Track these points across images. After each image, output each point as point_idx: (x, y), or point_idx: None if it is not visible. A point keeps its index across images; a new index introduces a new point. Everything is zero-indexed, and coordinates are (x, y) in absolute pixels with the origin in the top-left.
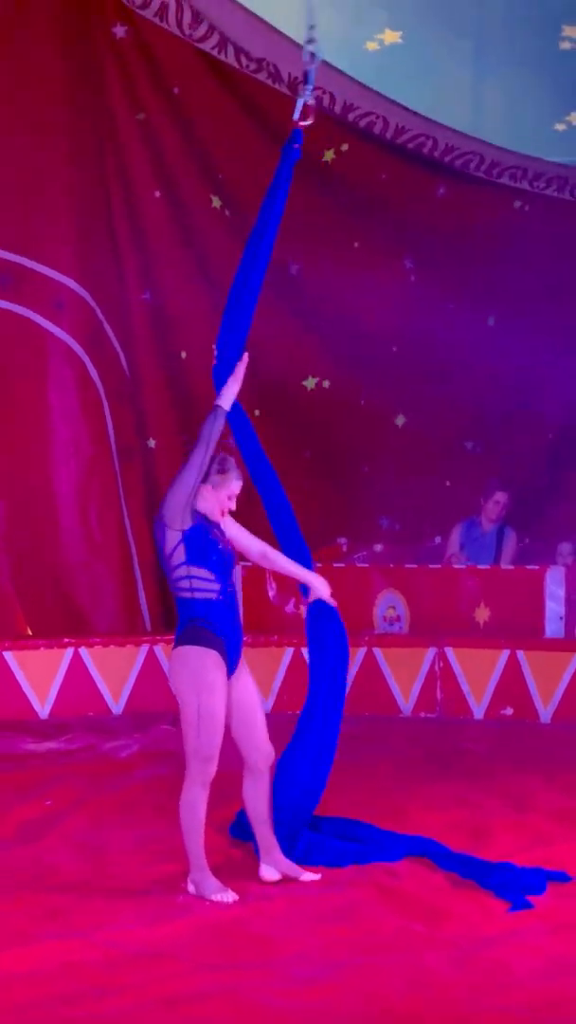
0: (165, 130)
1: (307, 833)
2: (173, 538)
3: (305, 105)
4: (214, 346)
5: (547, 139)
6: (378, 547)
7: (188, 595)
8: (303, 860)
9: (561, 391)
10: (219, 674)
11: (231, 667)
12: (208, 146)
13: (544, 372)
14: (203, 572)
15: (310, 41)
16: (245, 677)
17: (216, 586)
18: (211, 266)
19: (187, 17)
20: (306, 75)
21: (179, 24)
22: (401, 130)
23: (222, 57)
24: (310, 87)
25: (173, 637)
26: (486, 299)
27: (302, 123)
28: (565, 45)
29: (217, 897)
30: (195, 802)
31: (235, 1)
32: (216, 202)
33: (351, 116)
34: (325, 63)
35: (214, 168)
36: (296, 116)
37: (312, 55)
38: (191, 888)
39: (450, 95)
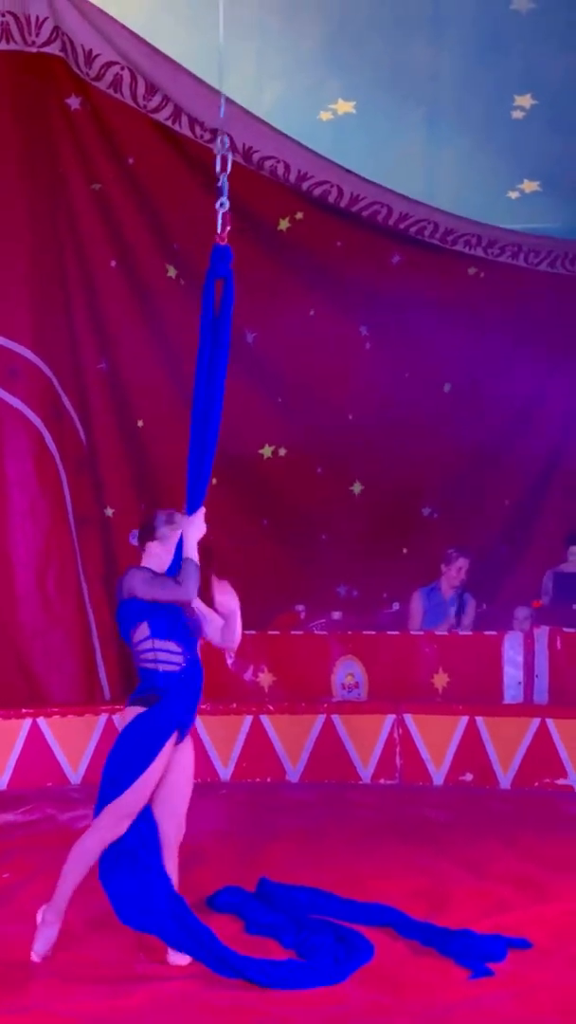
0: (120, 200)
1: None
2: (136, 614)
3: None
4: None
5: (501, 207)
6: (336, 615)
7: (151, 666)
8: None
9: (518, 457)
10: (165, 739)
11: (182, 734)
12: (163, 215)
13: (500, 438)
14: (169, 645)
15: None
16: (188, 747)
17: (180, 657)
18: (167, 335)
19: (141, 88)
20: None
21: (133, 95)
22: (355, 198)
23: (176, 127)
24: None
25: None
26: (442, 366)
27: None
28: (517, 114)
29: (37, 948)
30: (91, 852)
31: (189, 72)
32: (171, 271)
33: (305, 185)
34: (280, 133)
35: (169, 237)
36: (218, 229)
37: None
38: (39, 917)
39: (404, 163)
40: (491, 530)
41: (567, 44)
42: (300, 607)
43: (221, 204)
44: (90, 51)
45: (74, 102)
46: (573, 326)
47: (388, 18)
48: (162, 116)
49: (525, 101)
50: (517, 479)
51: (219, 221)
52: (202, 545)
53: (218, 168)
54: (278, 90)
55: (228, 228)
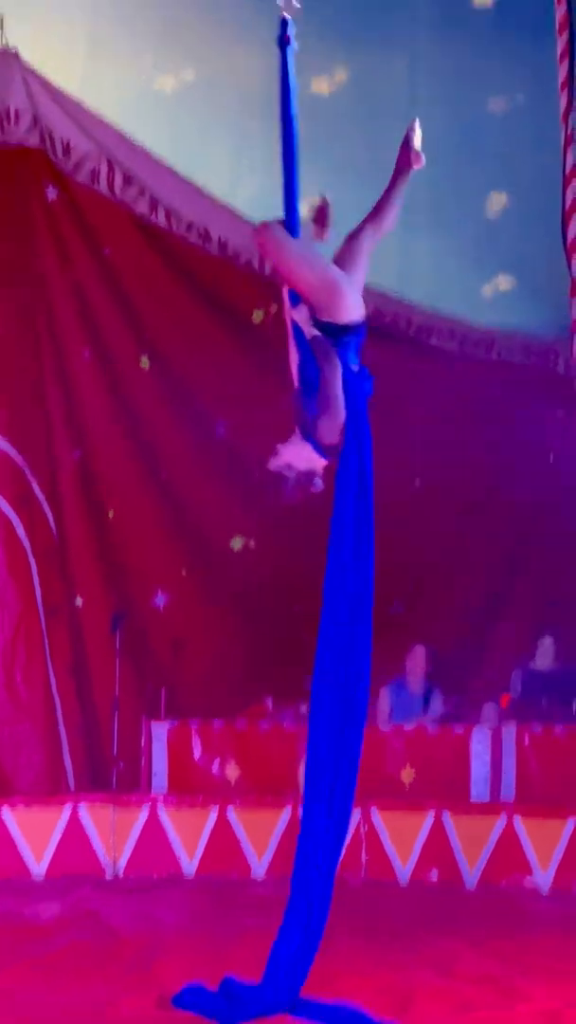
0: (95, 290)
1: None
2: None
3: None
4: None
5: (474, 302)
6: (303, 707)
7: None
8: None
9: (485, 550)
10: None
11: None
12: (138, 307)
13: (468, 531)
14: None
15: None
16: None
17: None
18: (139, 427)
19: (119, 180)
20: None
21: (111, 187)
22: None
23: (153, 219)
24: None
25: (97, 797)
26: (412, 461)
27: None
28: (492, 212)
29: None
30: None
31: (166, 165)
32: (145, 362)
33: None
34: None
35: (144, 328)
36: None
37: None
38: None
39: (378, 259)
40: (459, 624)
41: (541, 145)
42: (268, 699)
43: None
44: (68, 142)
45: (51, 193)
46: (545, 420)
47: (364, 114)
48: (139, 207)
49: (500, 199)
50: (485, 572)
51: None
52: (171, 638)
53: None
54: (256, 186)
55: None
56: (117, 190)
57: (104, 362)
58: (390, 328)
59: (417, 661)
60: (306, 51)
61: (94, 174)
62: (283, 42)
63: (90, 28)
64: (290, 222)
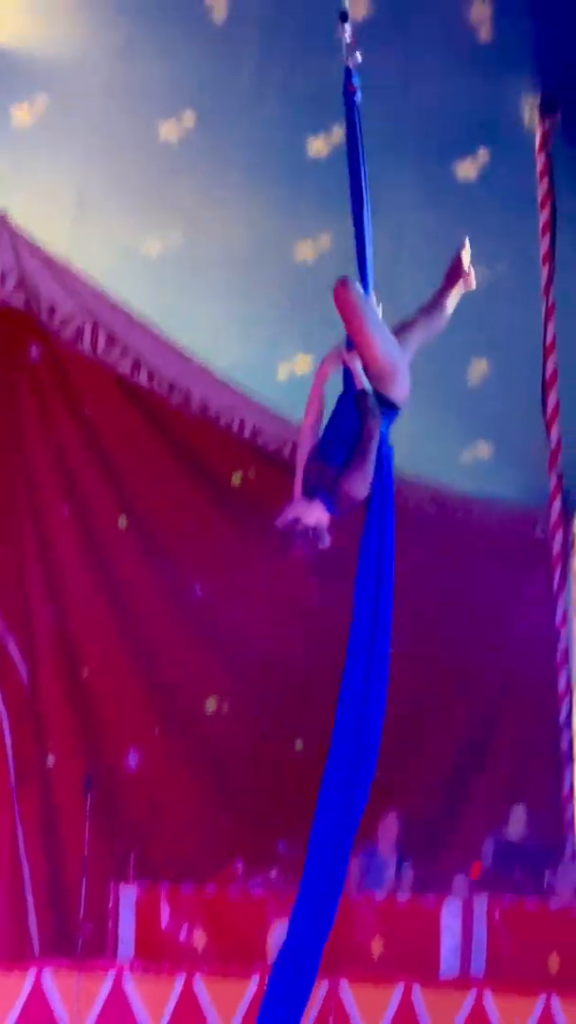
0: (75, 450)
1: None
2: None
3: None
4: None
5: (452, 469)
6: (273, 873)
7: None
8: None
9: (458, 715)
10: None
11: None
12: (118, 466)
13: (443, 701)
14: None
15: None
16: None
17: None
18: (116, 586)
19: (102, 340)
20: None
21: (94, 347)
22: None
23: (135, 379)
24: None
25: (62, 963)
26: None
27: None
28: (472, 378)
29: None
30: None
31: (150, 326)
32: (123, 522)
33: (260, 441)
34: (237, 389)
35: (123, 488)
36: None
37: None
38: None
39: None
40: (431, 790)
41: (523, 315)
42: (238, 863)
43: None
44: (53, 303)
45: (35, 352)
46: (521, 588)
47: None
48: (122, 368)
49: (481, 366)
50: (458, 739)
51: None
52: (143, 799)
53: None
54: (236, 345)
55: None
56: (100, 350)
57: (83, 521)
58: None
59: (389, 828)
60: (292, 219)
61: (78, 334)
62: (347, 92)
63: (79, 191)
64: (362, 282)
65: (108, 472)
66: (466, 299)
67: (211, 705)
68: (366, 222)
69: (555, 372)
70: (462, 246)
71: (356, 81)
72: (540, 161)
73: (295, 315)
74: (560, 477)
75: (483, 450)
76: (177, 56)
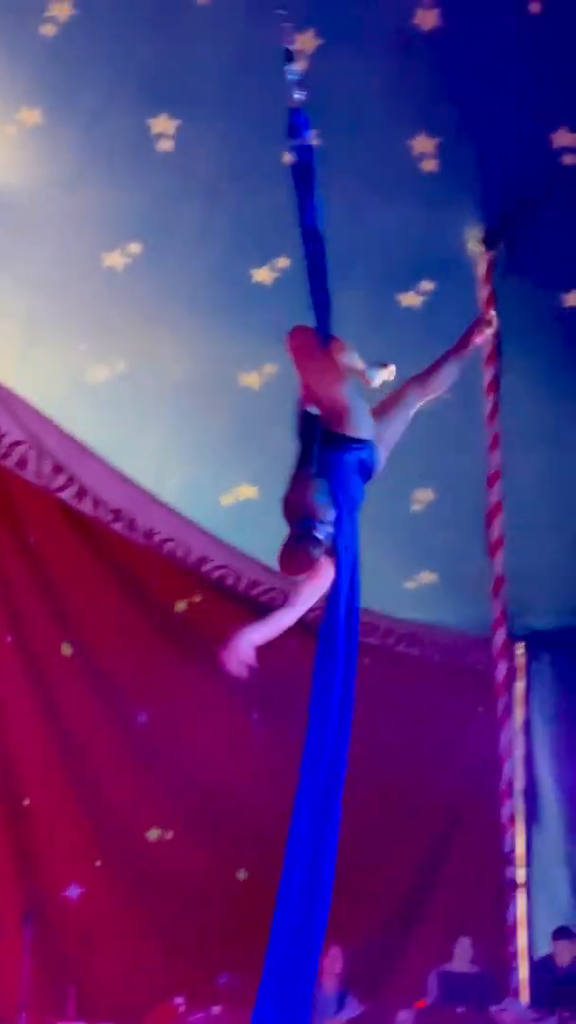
0: (19, 577)
1: None
2: None
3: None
4: None
5: (397, 597)
6: (216, 1009)
7: None
8: None
9: (404, 851)
10: None
11: None
12: (62, 594)
13: (388, 831)
14: None
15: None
16: None
17: None
18: (58, 713)
19: (47, 467)
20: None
21: (39, 474)
22: (254, 583)
23: (80, 507)
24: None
25: None
26: None
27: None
28: (416, 507)
29: None
30: None
31: (96, 454)
32: (67, 649)
33: (205, 568)
34: (182, 516)
35: (67, 615)
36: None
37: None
38: None
39: None
40: (376, 923)
41: (467, 444)
42: (179, 999)
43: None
44: None
45: None
46: (465, 716)
47: (293, 407)
48: (66, 495)
49: (424, 495)
50: (403, 870)
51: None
52: (83, 933)
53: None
54: (181, 474)
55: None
56: (46, 478)
57: (26, 648)
58: (314, 620)
59: (333, 961)
60: (237, 347)
61: (23, 461)
62: (293, 128)
63: (25, 320)
64: (321, 331)
65: (52, 600)
66: (410, 426)
67: (154, 834)
68: (324, 273)
69: (499, 502)
70: (482, 319)
71: (302, 118)
72: (484, 292)
73: (240, 444)
74: (504, 606)
75: (427, 578)
76: (125, 187)
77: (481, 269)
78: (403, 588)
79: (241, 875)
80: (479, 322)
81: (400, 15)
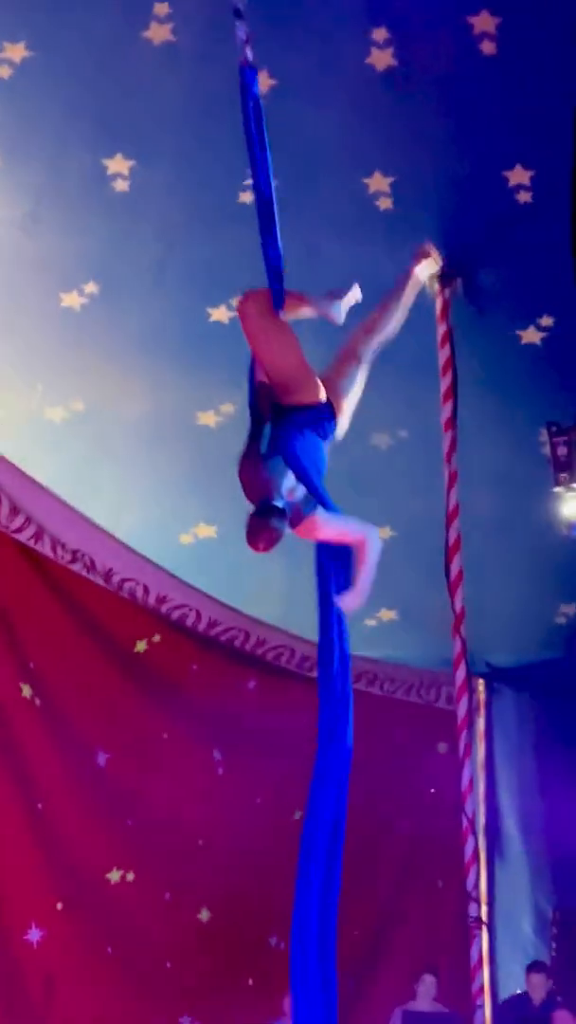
0: None
1: None
2: None
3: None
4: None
5: (359, 635)
6: None
7: None
8: None
9: (368, 891)
10: None
11: None
12: (20, 634)
13: (351, 871)
14: None
15: None
16: None
17: None
18: (17, 754)
19: (5, 509)
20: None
21: None
22: (213, 623)
23: (38, 548)
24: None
25: None
26: (294, 792)
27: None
28: None
29: None
30: None
31: (53, 494)
32: (26, 691)
33: (164, 608)
34: (140, 555)
35: (26, 657)
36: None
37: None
38: None
39: (262, 588)
40: (340, 961)
41: (425, 481)
42: None
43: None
44: None
45: None
46: (426, 753)
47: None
48: (24, 536)
49: (383, 533)
50: (367, 910)
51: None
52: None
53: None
54: (139, 513)
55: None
56: (3, 519)
57: None
58: (273, 660)
59: (286, 1000)
60: (194, 387)
61: None
62: (245, 86)
63: None
64: (274, 295)
65: (11, 641)
66: (368, 465)
67: (115, 875)
68: (276, 229)
69: (458, 539)
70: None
71: (253, 74)
72: (440, 329)
73: (198, 483)
74: (464, 643)
75: (388, 615)
76: (82, 227)
77: (437, 307)
78: (364, 625)
79: (203, 915)
80: (418, 254)
81: (354, 56)
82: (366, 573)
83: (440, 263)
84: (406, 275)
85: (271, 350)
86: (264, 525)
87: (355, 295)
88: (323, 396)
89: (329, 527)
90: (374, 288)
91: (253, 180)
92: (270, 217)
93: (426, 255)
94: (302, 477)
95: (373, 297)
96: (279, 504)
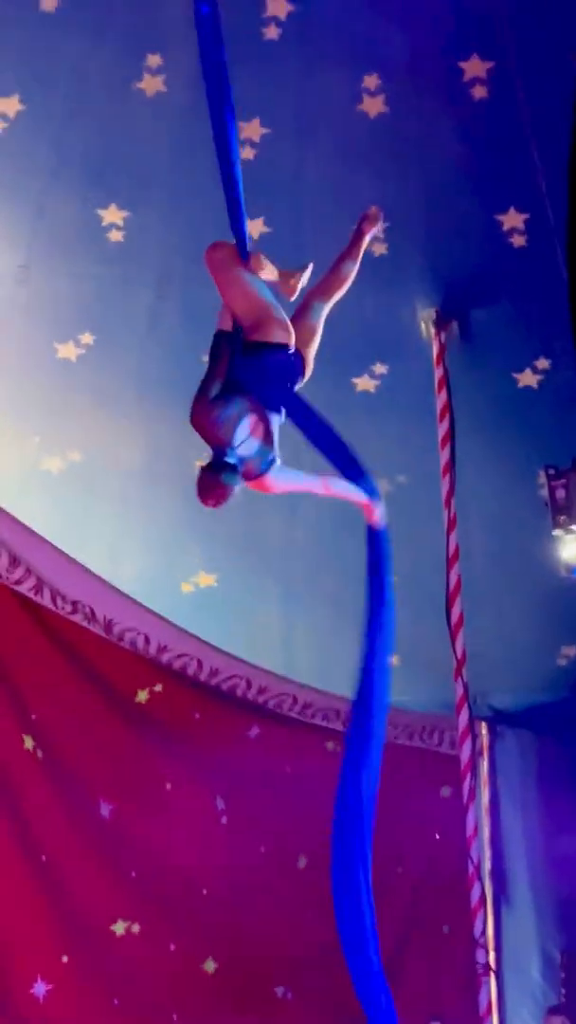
0: None
1: None
2: None
3: None
4: None
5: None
6: None
7: None
8: None
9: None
10: None
11: None
12: (21, 687)
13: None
14: None
15: None
16: None
17: None
18: (20, 805)
19: (4, 560)
20: None
21: None
22: (214, 671)
23: (38, 599)
24: None
25: None
26: (298, 839)
27: None
28: None
29: None
30: None
31: (52, 544)
32: (28, 742)
33: (165, 657)
34: (141, 605)
35: (27, 709)
36: None
37: None
38: None
39: (263, 636)
40: (343, 1013)
41: (420, 530)
42: None
43: None
44: None
45: None
46: (430, 798)
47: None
48: (24, 588)
49: None
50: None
51: None
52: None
53: None
54: (140, 562)
55: None
56: (3, 570)
57: None
58: (275, 707)
59: None
60: (190, 433)
61: None
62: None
63: None
64: (239, 248)
65: (12, 692)
66: (356, 517)
67: (120, 927)
68: (239, 186)
69: (458, 583)
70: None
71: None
72: (437, 373)
73: (198, 531)
74: (466, 687)
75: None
76: (77, 277)
77: (434, 350)
78: None
79: (209, 966)
80: (366, 217)
81: (346, 102)
82: (346, 492)
83: (380, 219)
84: (358, 236)
85: (239, 291)
86: (216, 481)
87: (307, 276)
88: (292, 341)
89: (284, 482)
90: (369, 334)
91: (211, 110)
92: (231, 165)
93: (375, 219)
94: (270, 407)
95: (369, 346)
96: (231, 460)
